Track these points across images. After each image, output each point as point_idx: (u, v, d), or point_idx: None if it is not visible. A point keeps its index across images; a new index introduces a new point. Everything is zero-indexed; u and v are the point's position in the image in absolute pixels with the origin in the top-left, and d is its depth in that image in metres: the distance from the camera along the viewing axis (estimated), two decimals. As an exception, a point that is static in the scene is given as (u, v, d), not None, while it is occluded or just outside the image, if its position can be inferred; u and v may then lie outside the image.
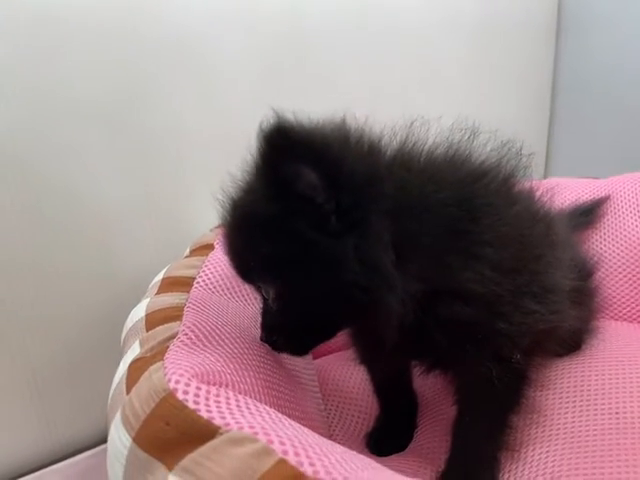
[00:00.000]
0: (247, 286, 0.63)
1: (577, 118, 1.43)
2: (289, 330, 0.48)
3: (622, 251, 0.89)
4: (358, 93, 1.04)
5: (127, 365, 0.45)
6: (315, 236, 0.41)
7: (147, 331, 0.49)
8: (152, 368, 0.40)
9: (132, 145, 0.79)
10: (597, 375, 0.62)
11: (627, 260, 0.88)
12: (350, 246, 0.41)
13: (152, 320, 0.51)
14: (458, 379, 0.54)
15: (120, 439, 0.36)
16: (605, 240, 0.91)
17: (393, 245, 0.41)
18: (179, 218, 0.86)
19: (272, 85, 0.92)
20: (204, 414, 0.34)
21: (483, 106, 1.29)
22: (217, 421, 0.34)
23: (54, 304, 0.75)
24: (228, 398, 0.37)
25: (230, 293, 0.63)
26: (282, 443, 0.32)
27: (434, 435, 0.62)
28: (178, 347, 0.44)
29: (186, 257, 0.71)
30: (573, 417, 0.57)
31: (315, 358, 0.77)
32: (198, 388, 0.37)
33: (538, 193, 0.56)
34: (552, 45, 1.43)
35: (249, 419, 0.34)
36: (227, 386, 0.40)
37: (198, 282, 0.62)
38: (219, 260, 0.66)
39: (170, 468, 0.33)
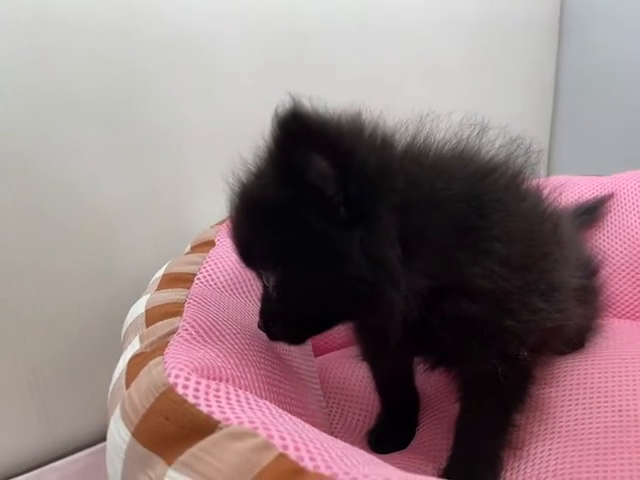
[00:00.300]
0: (248, 282, 0.63)
1: (579, 116, 1.43)
2: (287, 319, 0.47)
3: (625, 249, 0.88)
4: (359, 91, 1.03)
5: (127, 360, 0.44)
6: (322, 226, 0.41)
7: (147, 327, 0.49)
8: (152, 363, 0.39)
9: (133, 142, 0.79)
10: (600, 373, 0.62)
11: (630, 258, 0.87)
12: (356, 238, 0.40)
13: (152, 316, 0.51)
14: (462, 376, 0.54)
15: (119, 434, 0.36)
16: (609, 238, 0.90)
17: (400, 240, 0.41)
18: (180, 215, 0.86)
19: (273, 82, 0.92)
20: (204, 409, 0.34)
21: (486, 105, 1.28)
22: (217, 416, 0.33)
23: (54, 302, 0.75)
24: (228, 393, 0.37)
25: (231, 289, 0.62)
26: (282, 438, 0.32)
27: (436, 432, 0.62)
28: (178, 342, 0.43)
29: (187, 253, 0.71)
30: (576, 415, 0.56)
31: (317, 355, 0.77)
32: (198, 383, 0.36)
33: (546, 191, 0.55)
34: (554, 44, 1.43)
35: (249, 414, 0.34)
36: (227, 381, 0.40)
37: (199, 278, 0.61)
38: (220, 256, 0.66)
39: (169, 463, 0.32)
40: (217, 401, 0.35)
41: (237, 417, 0.33)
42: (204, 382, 0.37)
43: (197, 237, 0.75)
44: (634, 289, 0.86)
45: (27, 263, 0.72)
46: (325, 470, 0.30)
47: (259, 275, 0.48)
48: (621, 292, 0.87)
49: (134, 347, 0.46)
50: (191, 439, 0.33)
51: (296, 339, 0.50)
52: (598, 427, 0.54)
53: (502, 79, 1.33)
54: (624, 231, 0.89)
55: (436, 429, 0.62)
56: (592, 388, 0.59)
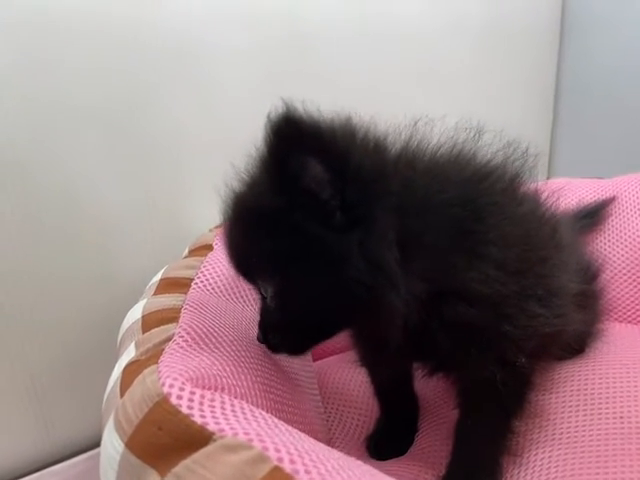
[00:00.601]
0: (246, 287, 0.63)
1: (580, 119, 1.42)
2: (287, 329, 0.47)
3: (627, 252, 0.88)
4: (361, 97, 1.03)
5: (122, 368, 0.44)
6: (319, 231, 0.40)
7: (143, 333, 0.49)
8: (146, 371, 0.39)
9: (131, 150, 0.79)
10: (601, 379, 0.61)
11: (632, 261, 0.87)
12: (354, 242, 0.40)
13: (148, 322, 0.50)
14: (461, 382, 0.54)
15: (112, 444, 0.36)
16: (610, 241, 0.90)
17: (397, 243, 0.41)
18: (178, 219, 0.85)
19: (271, 91, 0.91)
20: (198, 419, 0.33)
21: (487, 108, 1.28)
22: (211, 427, 0.33)
23: (53, 308, 0.75)
24: (223, 403, 0.36)
25: (228, 294, 0.62)
26: (277, 450, 0.31)
27: (435, 439, 0.61)
28: (173, 350, 0.43)
29: (185, 257, 0.70)
30: (577, 421, 0.56)
31: (315, 360, 0.77)
32: (192, 392, 0.36)
33: (544, 195, 0.55)
34: (555, 47, 1.43)
35: (244, 425, 0.34)
36: (223, 390, 0.39)
37: (196, 283, 0.61)
38: (218, 261, 0.65)
39: (162, 475, 0.32)
40: (212, 411, 0.35)
41: (232, 428, 0.33)
42: (199, 392, 0.36)
43: (195, 241, 0.75)
44: (635, 293, 0.85)
45: (25, 269, 0.72)
46: (320, 483, 0.29)
47: (256, 286, 0.48)
48: (622, 296, 0.86)
49: (129, 354, 0.46)
50: (185, 450, 0.32)
51: (297, 350, 0.50)
52: (599, 434, 0.53)
53: (503, 82, 1.33)
54: (625, 234, 0.89)
55: (435, 435, 0.62)
56: (593, 394, 0.59)
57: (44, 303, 0.74)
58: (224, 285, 0.62)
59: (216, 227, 0.78)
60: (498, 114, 1.27)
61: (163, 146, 0.82)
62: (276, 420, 0.37)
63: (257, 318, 0.49)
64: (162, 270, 0.66)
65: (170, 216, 0.85)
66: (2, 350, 0.72)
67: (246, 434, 0.32)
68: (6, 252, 0.70)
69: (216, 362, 0.43)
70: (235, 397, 0.39)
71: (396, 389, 0.65)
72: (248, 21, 0.87)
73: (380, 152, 0.43)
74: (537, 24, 1.36)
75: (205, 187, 0.85)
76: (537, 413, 0.57)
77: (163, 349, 0.43)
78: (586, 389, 0.60)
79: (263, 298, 0.47)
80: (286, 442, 0.32)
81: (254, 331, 0.53)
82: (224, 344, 0.47)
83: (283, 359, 0.56)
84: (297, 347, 0.49)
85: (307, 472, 0.30)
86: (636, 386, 0.59)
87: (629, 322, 0.85)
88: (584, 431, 0.54)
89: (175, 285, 0.60)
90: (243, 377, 0.44)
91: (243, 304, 0.62)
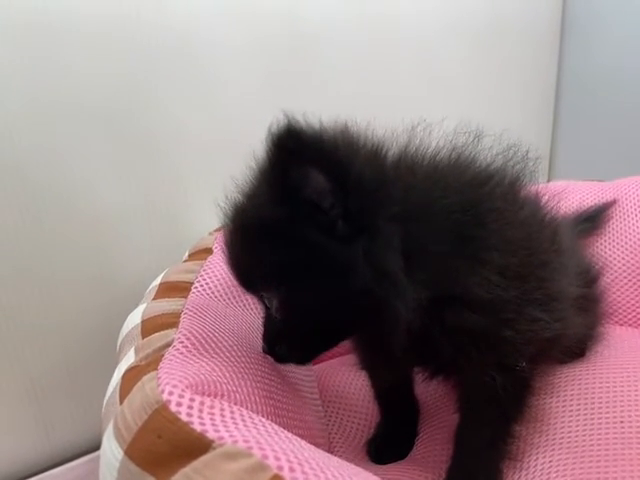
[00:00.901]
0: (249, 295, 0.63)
1: (581, 122, 1.42)
2: (293, 340, 0.47)
3: (627, 255, 0.87)
4: (360, 98, 1.03)
5: (121, 374, 0.44)
6: (323, 241, 0.40)
7: (143, 338, 0.48)
8: (145, 378, 0.39)
9: (131, 151, 0.79)
10: (601, 383, 0.61)
11: (633, 265, 0.87)
12: (359, 251, 0.40)
13: (148, 327, 0.50)
14: (461, 387, 0.54)
15: (112, 452, 0.36)
16: (610, 244, 0.90)
17: (401, 250, 0.41)
18: (178, 222, 0.85)
19: (272, 91, 0.91)
20: (197, 427, 0.33)
21: (487, 109, 1.28)
22: (211, 434, 0.33)
23: (52, 311, 0.75)
24: (223, 410, 0.36)
25: (229, 298, 0.62)
26: (277, 458, 0.31)
27: (435, 443, 0.61)
28: (173, 356, 0.43)
29: (184, 261, 0.70)
30: (577, 426, 0.56)
31: (315, 364, 0.77)
32: (192, 399, 0.36)
33: (544, 198, 0.55)
34: (556, 48, 1.43)
35: (244, 432, 0.34)
36: (222, 397, 0.39)
37: (196, 287, 0.61)
38: (217, 264, 0.65)
39: (162, 483, 0.32)
40: (211, 419, 0.35)
41: (231, 436, 0.33)
42: (198, 399, 0.36)
43: (195, 244, 0.74)
44: (636, 296, 0.85)
45: (25, 273, 0.72)
46: (320, 492, 0.29)
47: (260, 298, 0.47)
48: (623, 299, 0.86)
49: (129, 359, 0.46)
50: (184, 458, 0.32)
51: (303, 359, 0.50)
52: (599, 439, 0.53)
53: (503, 83, 1.33)
54: (626, 237, 0.89)
55: (435, 440, 0.62)
56: (593, 398, 0.59)
57: (44, 306, 0.74)
58: (224, 289, 0.62)
59: (216, 230, 0.77)
60: (498, 115, 1.28)
61: (162, 146, 0.82)
62: (276, 427, 0.37)
63: (258, 323, 0.49)
64: (162, 274, 0.66)
65: (170, 219, 0.84)
66: (2, 353, 0.72)
67: (246, 442, 0.32)
68: (6, 256, 0.70)
69: (216, 368, 0.43)
70: (235, 403, 0.39)
71: (396, 393, 0.65)
72: (249, 23, 0.87)
73: (380, 159, 0.43)
74: (537, 25, 1.36)
75: (205, 190, 0.85)
76: (537, 417, 0.57)
77: (163, 355, 0.43)
78: (586, 393, 0.60)
79: (267, 309, 0.47)
80: (286, 450, 0.32)
81: (254, 336, 0.53)
82: (224, 349, 0.47)
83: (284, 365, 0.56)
84: (304, 357, 0.49)
85: (307, 481, 0.30)
86: (637, 390, 0.58)
87: (630, 325, 0.85)
88: (584, 435, 0.54)
89: (175, 289, 0.60)
90: (243, 383, 0.44)
91: (243, 308, 0.62)
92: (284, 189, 0.40)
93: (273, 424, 0.37)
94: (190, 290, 0.60)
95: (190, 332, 0.47)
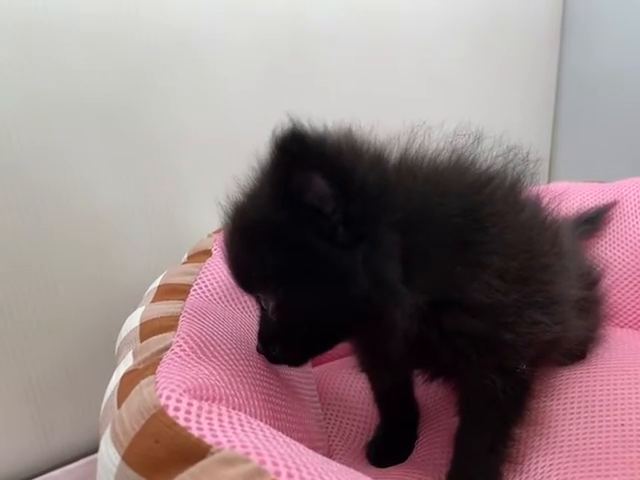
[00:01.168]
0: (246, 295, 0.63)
1: (581, 123, 1.42)
2: (288, 341, 0.47)
3: (628, 257, 0.87)
4: (360, 98, 1.03)
5: (119, 377, 0.43)
6: (323, 247, 0.40)
7: (141, 341, 0.48)
8: (143, 382, 0.39)
9: (130, 150, 0.79)
10: (602, 385, 0.61)
11: (633, 266, 0.86)
12: (359, 258, 0.40)
13: (146, 330, 0.50)
14: (461, 389, 0.54)
15: (109, 456, 0.35)
16: (611, 246, 0.89)
17: (401, 257, 0.41)
18: (178, 223, 0.85)
19: (272, 90, 0.91)
20: (195, 432, 0.33)
21: (486, 110, 1.28)
22: (208, 439, 0.33)
23: (51, 312, 0.75)
24: (221, 415, 0.36)
25: (227, 301, 0.61)
26: (275, 464, 0.31)
27: (435, 446, 0.61)
28: (171, 359, 0.43)
29: (183, 263, 0.70)
30: (577, 429, 0.55)
31: (314, 366, 0.76)
32: (190, 404, 0.36)
33: (545, 200, 0.54)
34: (556, 48, 1.42)
35: (242, 437, 0.33)
36: (220, 401, 0.39)
37: (195, 289, 0.60)
38: (217, 267, 0.65)
39: (159, 488, 0.32)
40: (209, 424, 0.34)
41: (229, 441, 0.33)
42: (196, 403, 0.36)
43: (194, 246, 0.74)
44: (637, 298, 0.85)
45: (24, 274, 0.72)
46: (318, 498, 0.29)
47: (257, 299, 0.47)
48: (624, 301, 0.86)
49: (127, 363, 0.45)
50: (181, 464, 0.32)
51: (297, 361, 0.50)
52: (600, 442, 0.53)
53: (503, 83, 1.33)
54: (627, 239, 0.88)
55: (435, 442, 0.61)
56: (594, 401, 0.58)
57: (43, 307, 0.74)
58: (223, 291, 0.62)
59: (215, 232, 0.77)
60: (498, 115, 1.27)
61: (162, 146, 0.81)
62: (274, 431, 0.37)
63: (257, 326, 0.49)
64: (160, 276, 0.66)
65: (169, 221, 0.84)
66: (1, 354, 0.71)
67: (244, 447, 0.32)
68: (4, 255, 0.70)
69: (214, 371, 0.43)
70: (233, 408, 0.39)
71: (396, 395, 0.64)
72: (250, 21, 0.87)
73: (382, 164, 0.43)
74: (537, 25, 1.36)
75: (204, 189, 0.85)
76: (537, 420, 0.57)
77: (161, 358, 0.43)
78: (587, 396, 0.60)
79: (263, 309, 0.47)
80: (284, 455, 0.32)
81: (253, 338, 0.53)
82: (222, 353, 0.47)
83: (282, 367, 0.56)
84: (297, 358, 0.49)
85: (305, 486, 0.29)
86: (637, 393, 0.58)
87: (630, 327, 0.85)
88: (585, 438, 0.54)
89: (173, 292, 0.59)
90: (241, 386, 0.44)
91: (242, 311, 0.61)
92: (286, 192, 0.39)
93: (271, 428, 0.37)
94: (189, 293, 0.60)
95: (188, 335, 0.47)
